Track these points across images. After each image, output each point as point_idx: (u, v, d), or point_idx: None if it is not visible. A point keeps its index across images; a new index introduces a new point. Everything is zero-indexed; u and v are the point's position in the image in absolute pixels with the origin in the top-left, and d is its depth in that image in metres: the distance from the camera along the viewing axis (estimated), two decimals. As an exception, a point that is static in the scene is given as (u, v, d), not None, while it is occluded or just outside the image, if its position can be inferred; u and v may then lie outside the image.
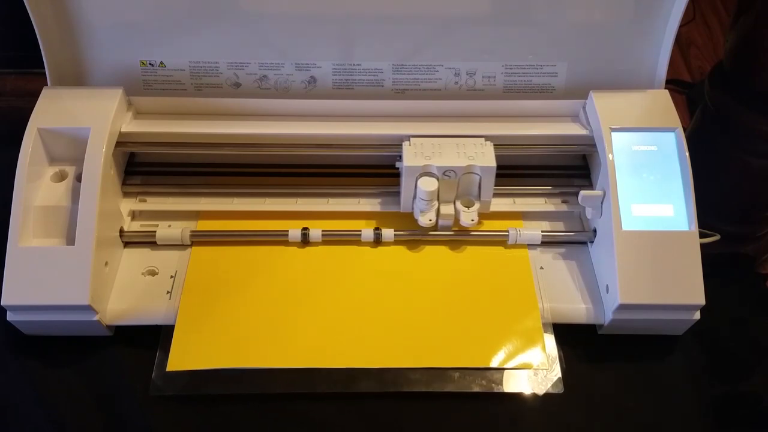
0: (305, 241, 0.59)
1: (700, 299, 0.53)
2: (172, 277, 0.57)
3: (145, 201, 0.61)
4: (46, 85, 0.59)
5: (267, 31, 0.60)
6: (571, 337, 0.55)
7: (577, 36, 0.60)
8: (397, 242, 0.59)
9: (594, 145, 0.58)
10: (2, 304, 0.52)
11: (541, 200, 0.62)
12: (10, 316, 0.54)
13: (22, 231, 0.53)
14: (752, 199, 0.70)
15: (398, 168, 0.57)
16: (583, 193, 0.57)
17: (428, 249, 0.59)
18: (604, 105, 0.58)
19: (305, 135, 0.59)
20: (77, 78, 0.61)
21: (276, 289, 0.57)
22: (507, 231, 0.59)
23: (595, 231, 0.59)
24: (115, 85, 0.59)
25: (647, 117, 0.58)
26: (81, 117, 0.56)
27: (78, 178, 0.57)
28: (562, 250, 0.60)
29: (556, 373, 0.53)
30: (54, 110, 0.57)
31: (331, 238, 0.59)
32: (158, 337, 0.54)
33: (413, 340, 0.54)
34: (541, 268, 0.59)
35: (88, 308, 0.52)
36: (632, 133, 0.57)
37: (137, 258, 0.59)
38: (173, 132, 0.59)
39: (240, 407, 0.52)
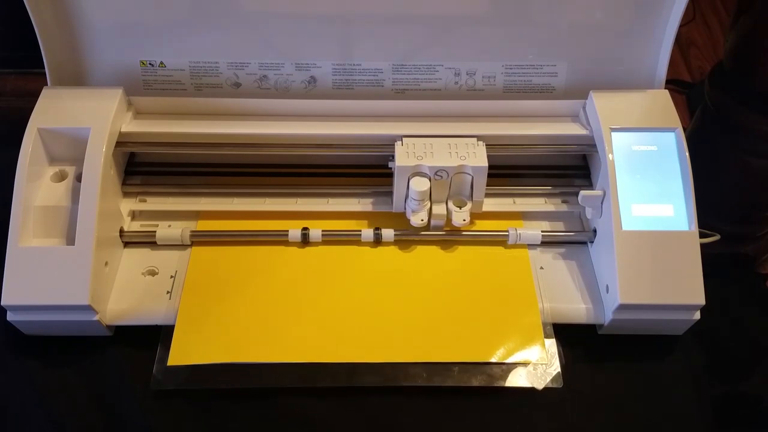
0: (305, 241, 0.59)
1: (700, 299, 0.53)
2: (172, 277, 0.57)
3: (145, 201, 0.61)
4: (46, 85, 0.59)
5: (267, 31, 0.60)
6: (571, 337, 0.55)
7: (577, 36, 0.60)
8: (397, 242, 0.59)
9: (594, 145, 0.58)
10: (2, 304, 0.52)
11: (541, 200, 0.62)
12: (10, 316, 0.54)
13: (22, 231, 0.53)
14: (752, 199, 0.70)
15: (391, 168, 0.57)
16: (583, 193, 0.57)
17: (428, 249, 0.59)
18: (604, 105, 0.58)
19: (305, 135, 0.59)
20: (77, 78, 0.61)
21: (276, 288, 0.57)
22: (507, 231, 0.59)
23: (595, 231, 0.59)
24: (115, 85, 0.59)
25: (647, 117, 0.58)
26: (81, 117, 0.56)
27: (78, 178, 0.57)
28: (562, 250, 0.60)
29: (555, 368, 0.53)
30: (54, 110, 0.57)
31: (331, 238, 0.59)
32: (158, 337, 0.54)
33: (413, 336, 0.54)
34: (541, 268, 0.59)
35: (88, 308, 0.52)
36: (632, 133, 0.57)
37: (137, 258, 0.59)
38: (173, 132, 0.59)
39: (241, 403, 0.52)
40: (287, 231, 0.59)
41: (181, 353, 0.53)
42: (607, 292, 0.55)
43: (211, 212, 0.61)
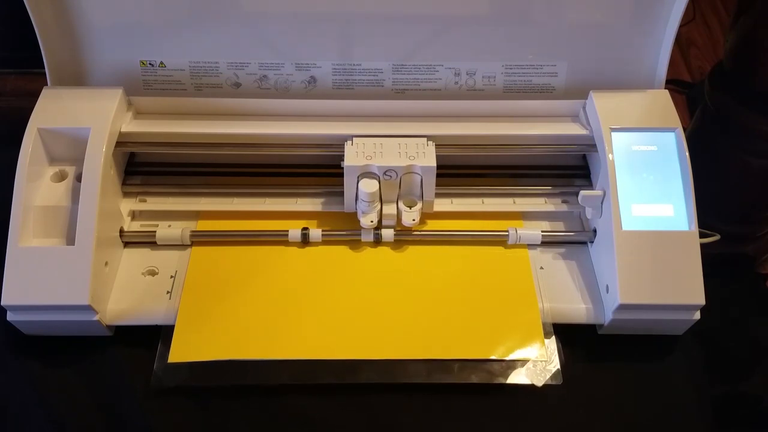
0: (305, 241, 0.59)
1: (700, 299, 0.53)
2: (172, 277, 0.57)
3: (145, 201, 0.61)
4: (46, 85, 0.59)
5: (267, 31, 0.60)
6: (571, 337, 0.55)
7: (577, 36, 0.60)
8: (397, 242, 0.59)
9: (594, 145, 0.58)
10: (2, 304, 0.52)
11: (541, 200, 0.62)
12: (10, 316, 0.54)
13: (22, 231, 0.53)
14: (752, 199, 0.70)
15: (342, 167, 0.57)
16: (583, 193, 0.57)
17: (428, 249, 0.59)
18: (604, 105, 0.58)
19: (305, 135, 0.59)
20: (77, 78, 0.61)
21: (276, 287, 0.57)
22: (507, 231, 0.59)
23: (595, 231, 0.59)
24: (115, 85, 0.59)
25: (647, 117, 0.58)
26: (81, 117, 0.56)
27: (78, 178, 0.57)
28: (562, 250, 0.60)
29: (555, 364, 0.53)
30: (54, 110, 0.57)
31: (331, 238, 0.59)
32: (158, 337, 0.54)
33: (413, 334, 0.54)
34: (541, 268, 0.59)
35: (88, 308, 0.52)
36: (632, 133, 0.57)
37: (137, 258, 0.59)
38: (173, 132, 0.59)
39: (241, 401, 0.53)
40: (287, 231, 0.59)
41: (182, 350, 0.53)
42: (607, 292, 0.55)
43: (211, 212, 0.61)
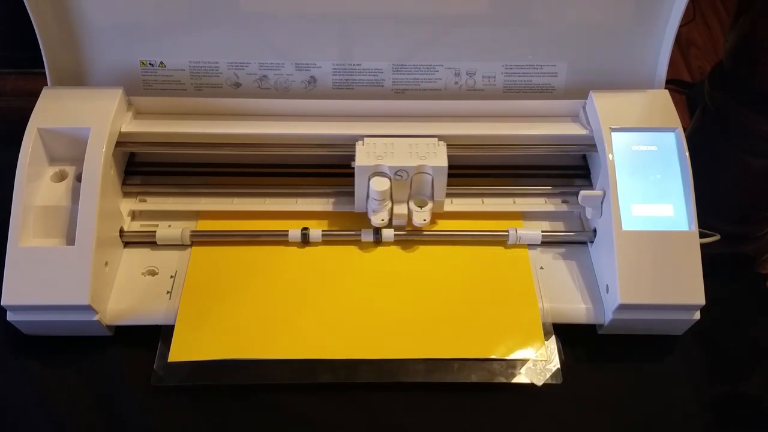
0: (305, 241, 0.59)
1: (700, 299, 0.53)
2: (172, 277, 0.57)
3: (145, 201, 0.61)
4: (46, 85, 0.59)
5: (267, 31, 0.60)
6: (571, 337, 0.55)
7: (577, 36, 0.60)
8: (397, 242, 0.59)
9: (594, 145, 0.58)
10: (2, 304, 0.52)
11: (541, 200, 0.62)
12: (10, 316, 0.54)
13: (22, 231, 0.53)
14: (752, 199, 0.70)
15: (353, 167, 0.57)
16: (583, 193, 0.57)
17: (428, 249, 0.59)
18: (604, 105, 0.58)
19: (305, 135, 0.59)
20: (77, 78, 0.61)
21: (276, 287, 0.57)
22: (507, 231, 0.59)
23: (595, 231, 0.59)
24: (115, 85, 0.59)
25: (647, 117, 0.58)
26: (81, 117, 0.56)
27: (78, 178, 0.57)
28: (562, 250, 0.60)
29: (555, 364, 0.53)
30: (54, 110, 0.57)
31: (331, 238, 0.59)
32: (158, 337, 0.54)
33: (413, 333, 0.54)
34: (541, 268, 0.59)
35: (88, 308, 0.52)
36: (632, 133, 0.57)
37: (137, 258, 0.59)
38: (173, 132, 0.59)
39: (241, 400, 0.53)
40: (287, 231, 0.59)
41: (182, 350, 0.53)
42: (607, 292, 0.55)
43: (211, 212, 0.61)
